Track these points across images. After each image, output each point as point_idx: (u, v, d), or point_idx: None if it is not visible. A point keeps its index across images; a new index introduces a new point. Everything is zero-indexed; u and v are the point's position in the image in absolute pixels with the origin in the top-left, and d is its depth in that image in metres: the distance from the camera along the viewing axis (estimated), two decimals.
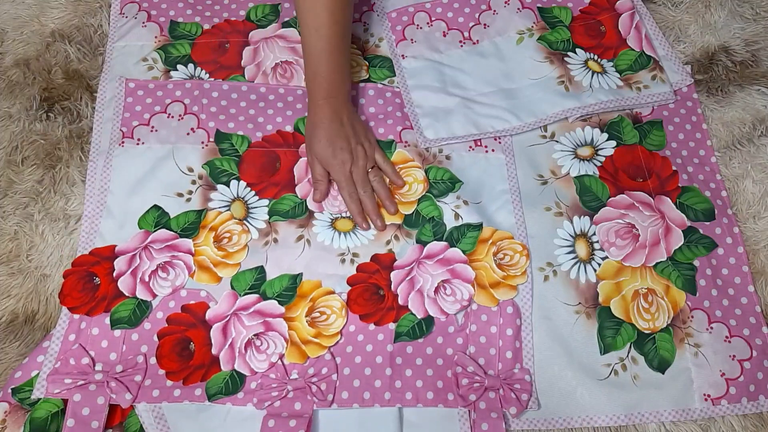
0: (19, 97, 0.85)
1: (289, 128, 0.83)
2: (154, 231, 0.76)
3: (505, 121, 0.84)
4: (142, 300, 0.72)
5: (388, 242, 0.78)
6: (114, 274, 0.73)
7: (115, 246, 0.75)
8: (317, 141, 0.77)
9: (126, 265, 0.74)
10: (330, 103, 0.77)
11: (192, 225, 0.77)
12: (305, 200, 0.79)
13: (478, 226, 0.78)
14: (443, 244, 0.77)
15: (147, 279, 0.73)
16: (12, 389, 0.67)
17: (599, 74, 0.87)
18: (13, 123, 0.83)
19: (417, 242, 0.77)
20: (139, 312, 0.72)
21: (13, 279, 0.75)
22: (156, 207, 0.77)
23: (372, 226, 0.78)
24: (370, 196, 0.78)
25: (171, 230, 0.76)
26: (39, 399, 0.67)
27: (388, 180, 0.80)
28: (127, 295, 0.72)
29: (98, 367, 0.69)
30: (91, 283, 0.73)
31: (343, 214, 0.79)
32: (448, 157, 0.83)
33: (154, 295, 0.73)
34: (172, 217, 0.77)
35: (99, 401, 0.67)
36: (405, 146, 0.83)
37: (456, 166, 0.82)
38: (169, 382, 0.69)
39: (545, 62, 0.88)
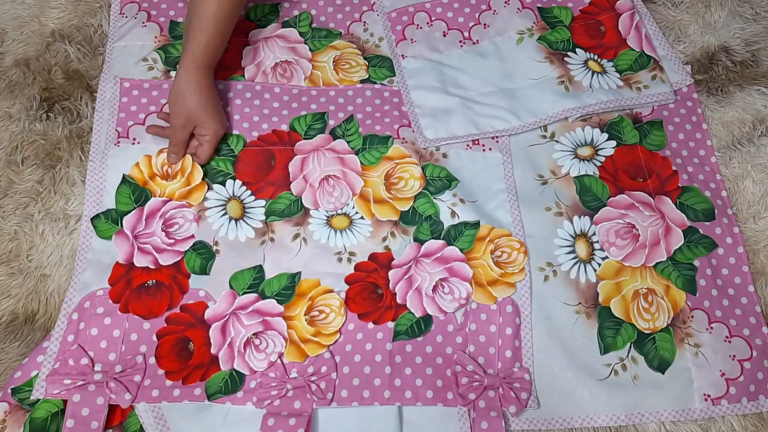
0: (19, 97, 0.85)
1: (284, 127, 0.83)
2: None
3: (505, 121, 0.84)
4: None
5: (384, 239, 0.78)
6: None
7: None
8: (205, 107, 0.76)
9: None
10: (208, 72, 0.78)
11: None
12: (300, 197, 0.79)
13: (476, 224, 0.78)
14: (441, 242, 0.77)
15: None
16: (12, 389, 0.67)
17: (599, 74, 0.87)
18: (13, 123, 0.83)
19: (414, 240, 0.77)
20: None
21: (13, 279, 0.75)
22: (126, 181, 0.78)
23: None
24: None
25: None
26: (39, 399, 0.67)
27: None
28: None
29: (97, 367, 0.69)
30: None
31: (339, 211, 0.79)
32: (445, 155, 0.83)
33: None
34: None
35: (98, 401, 0.66)
36: (402, 143, 0.83)
37: (453, 165, 0.82)
38: (168, 382, 0.69)
39: (545, 62, 0.88)
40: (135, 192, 0.78)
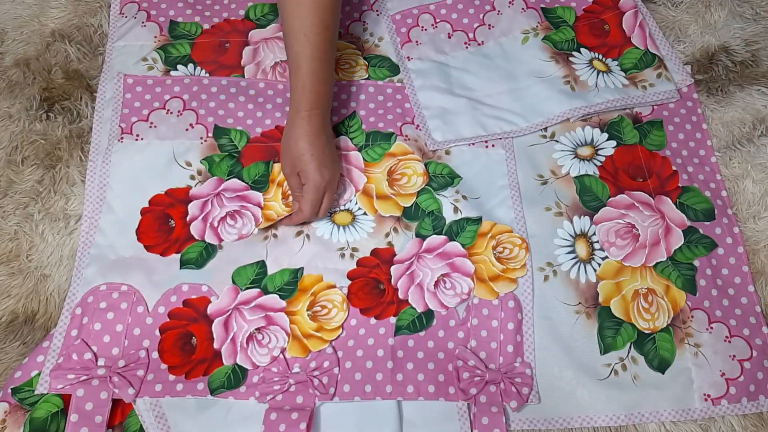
0: (19, 97, 0.85)
1: None
2: (227, 179, 0.79)
3: (512, 123, 0.84)
4: (209, 244, 0.76)
5: (387, 235, 0.78)
6: (188, 218, 0.76)
7: (190, 189, 0.78)
8: (303, 153, 0.72)
9: (199, 210, 0.77)
10: (315, 115, 0.73)
11: (262, 178, 0.79)
12: None
13: (477, 220, 0.78)
14: (443, 237, 0.77)
15: (216, 224, 0.76)
16: (12, 389, 0.67)
17: (604, 73, 0.87)
18: (13, 123, 0.83)
19: (416, 236, 0.77)
20: (205, 254, 0.75)
21: (13, 279, 0.75)
22: (230, 155, 0.80)
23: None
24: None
25: (243, 181, 0.79)
26: (38, 399, 0.67)
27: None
28: (196, 238, 0.76)
29: (101, 362, 0.69)
30: (167, 225, 0.76)
31: (341, 207, 0.79)
32: (447, 152, 0.83)
33: (221, 240, 0.76)
34: (243, 168, 0.80)
35: (102, 396, 0.67)
36: (405, 140, 0.83)
37: (456, 162, 0.82)
38: (171, 377, 0.69)
39: (550, 62, 0.88)
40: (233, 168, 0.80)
